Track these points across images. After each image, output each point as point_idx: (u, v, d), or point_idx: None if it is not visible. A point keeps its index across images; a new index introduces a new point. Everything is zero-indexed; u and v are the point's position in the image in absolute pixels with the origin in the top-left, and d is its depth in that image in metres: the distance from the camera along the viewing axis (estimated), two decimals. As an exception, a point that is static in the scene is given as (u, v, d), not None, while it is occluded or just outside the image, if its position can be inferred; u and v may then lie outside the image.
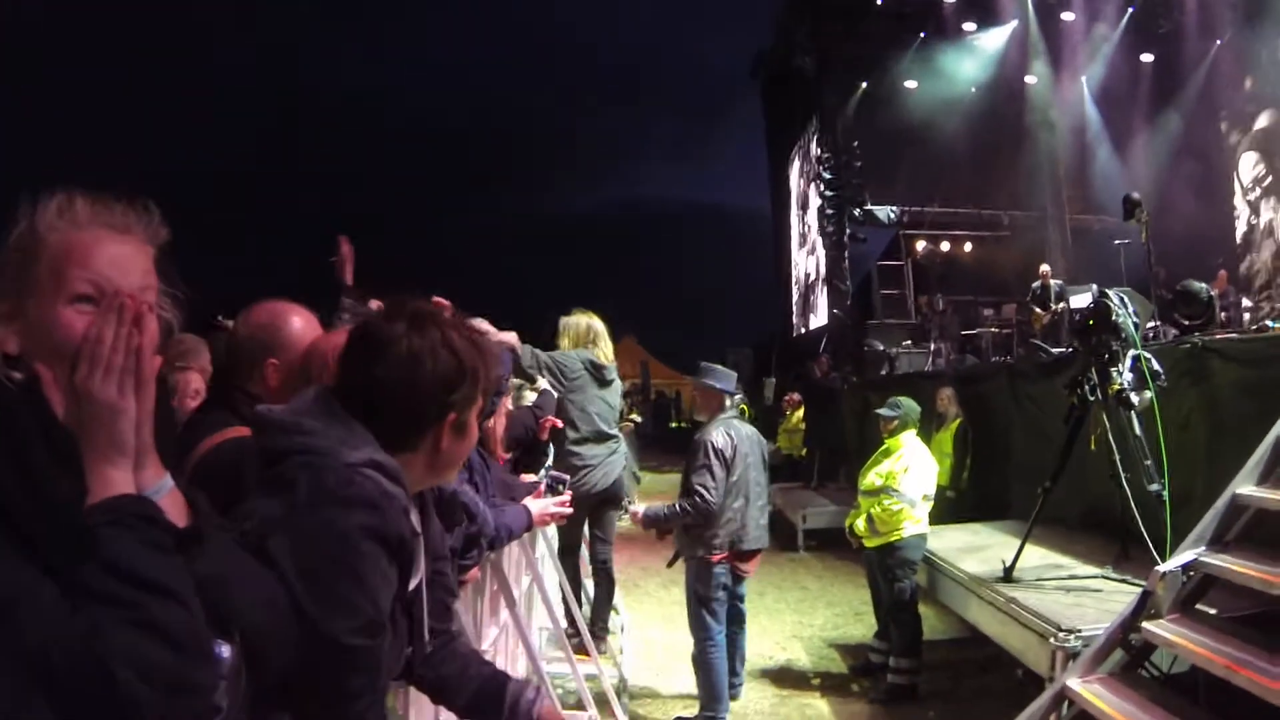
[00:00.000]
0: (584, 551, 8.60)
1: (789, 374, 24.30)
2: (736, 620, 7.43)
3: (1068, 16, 21.32)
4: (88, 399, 1.32)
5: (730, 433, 6.91)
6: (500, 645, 5.32)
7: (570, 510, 4.98)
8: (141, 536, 1.25)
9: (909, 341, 19.86)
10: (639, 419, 21.65)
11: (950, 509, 10.18)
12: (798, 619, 10.25)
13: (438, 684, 2.40)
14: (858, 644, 8.85)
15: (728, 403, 7.09)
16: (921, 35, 22.00)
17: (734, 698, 7.46)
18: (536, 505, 4.54)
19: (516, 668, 6.12)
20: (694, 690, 7.29)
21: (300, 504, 1.75)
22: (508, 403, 4.27)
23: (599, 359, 7.51)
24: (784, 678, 8.36)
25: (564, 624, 6.54)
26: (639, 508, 7.22)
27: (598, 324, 7.62)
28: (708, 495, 6.67)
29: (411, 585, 2.02)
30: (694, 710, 7.11)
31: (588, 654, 6.63)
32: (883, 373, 18.82)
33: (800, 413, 19.39)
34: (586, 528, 8.25)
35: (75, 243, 1.44)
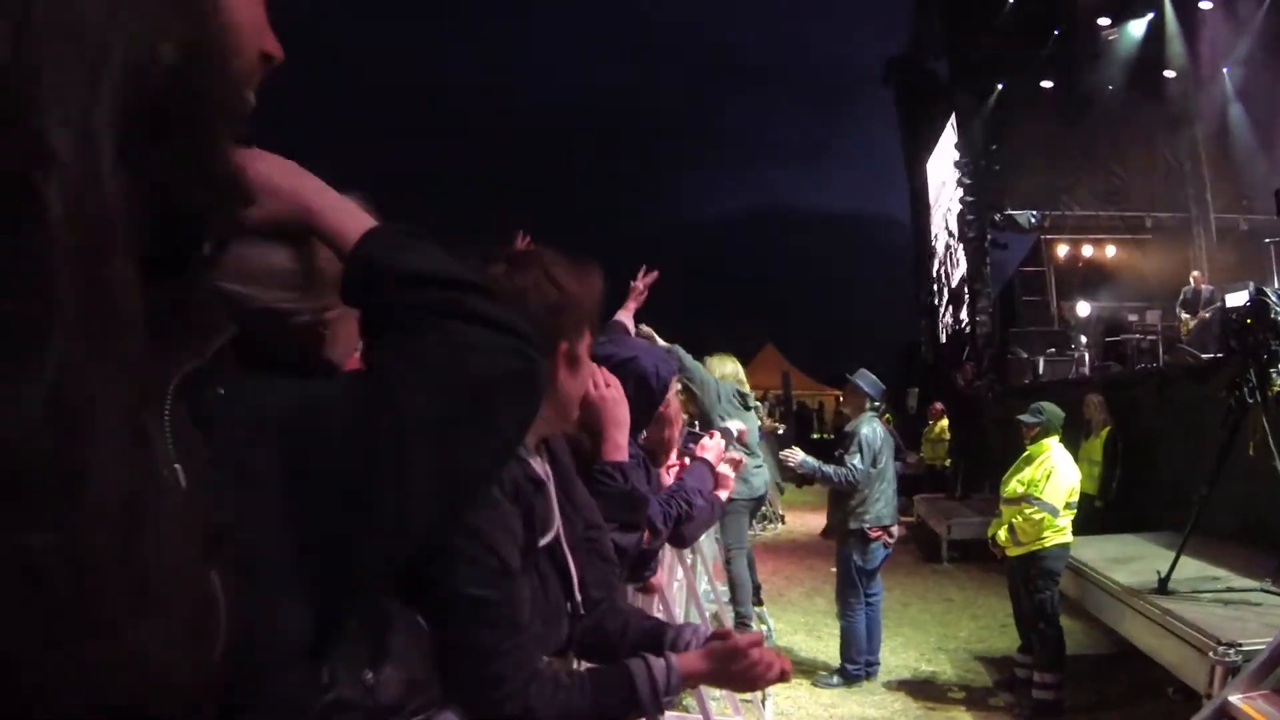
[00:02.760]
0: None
1: (932, 383, 24.00)
2: (873, 604, 8.54)
3: (1205, 5, 20.51)
4: None
5: (875, 427, 8.40)
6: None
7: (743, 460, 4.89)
8: None
9: (1052, 349, 19.42)
10: (781, 429, 21.55)
11: (1099, 519, 9.90)
12: (942, 631, 10.11)
13: (601, 643, 2.28)
14: (1003, 657, 8.67)
15: (867, 404, 8.53)
16: (1056, 33, 21.42)
17: (872, 676, 8.46)
18: (711, 449, 4.34)
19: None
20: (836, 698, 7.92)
21: None
22: (676, 404, 4.13)
23: (742, 388, 8.48)
24: (928, 690, 8.25)
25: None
26: (799, 457, 8.54)
27: (733, 366, 8.70)
28: (855, 473, 8.12)
29: (545, 539, 1.99)
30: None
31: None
32: (1026, 381, 18.42)
33: (944, 422, 19.12)
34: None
35: None
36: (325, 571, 1.10)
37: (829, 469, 8.34)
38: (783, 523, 18.61)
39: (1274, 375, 6.55)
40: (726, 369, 8.52)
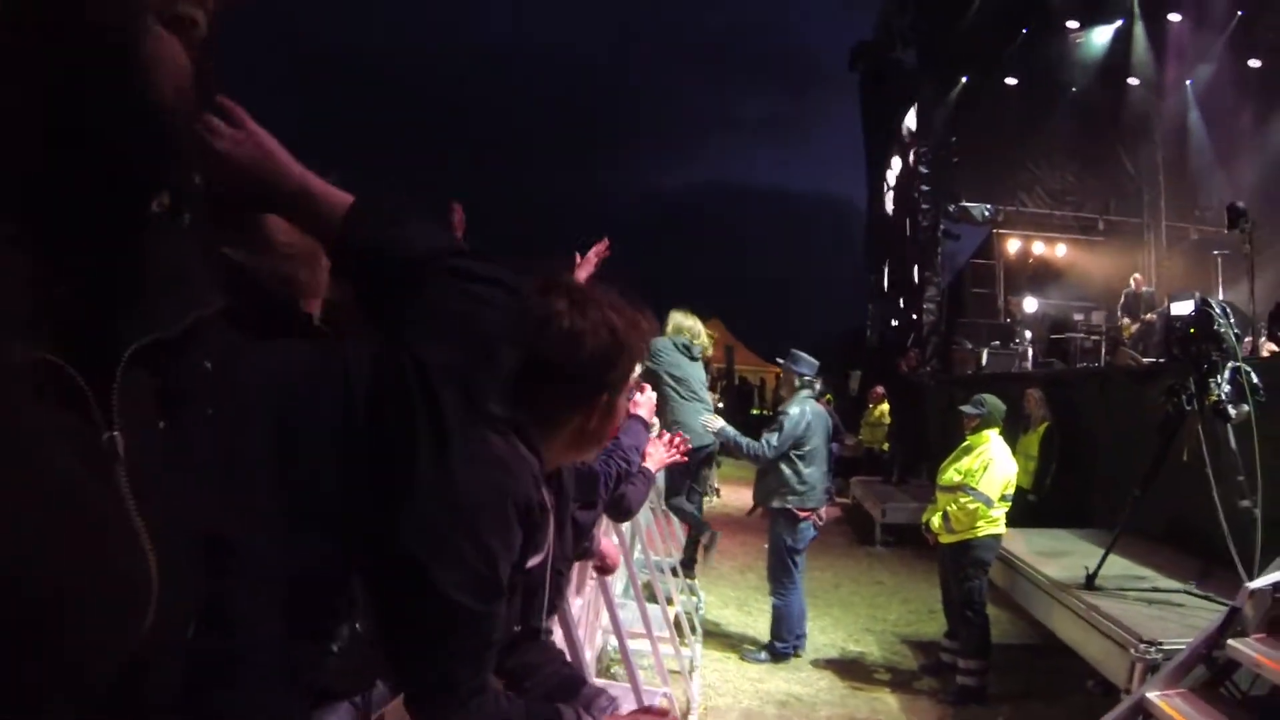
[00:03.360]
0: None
1: (876, 367, 24.14)
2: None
3: (1174, 17, 20.74)
4: None
5: (805, 408, 8.50)
6: (583, 618, 5.38)
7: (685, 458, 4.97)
8: None
9: (997, 342, 19.62)
10: (720, 404, 21.59)
11: (1032, 513, 10.04)
12: (871, 613, 10.24)
13: (519, 670, 2.27)
14: (930, 641, 8.80)
15: (797, 382, 8.71)
16: (1025, 31, 21.52)
17: (799, 653, 8.65)
18: (644, 405, 4.46)
19: (595, 640, 6.26)
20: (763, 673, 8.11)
21: None
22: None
23: (687, 339, 8.90)
24: (855, 671, 8.36)
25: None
26: (718, 423, 8.69)
27: (691, 321, 9.11)
28: (767, 448, 8.34)
29: (532, 561, 1.98)
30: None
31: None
32: (969, 371, 18.61)
33: (884, 406, 19.26)
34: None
35: None
36: (313, 555, 1.13)
37: (743, 440, 8.61)
38: (718, 495, 18.70)
39: (1212, 385, 6.67)
40: (682, 323, 8.96)
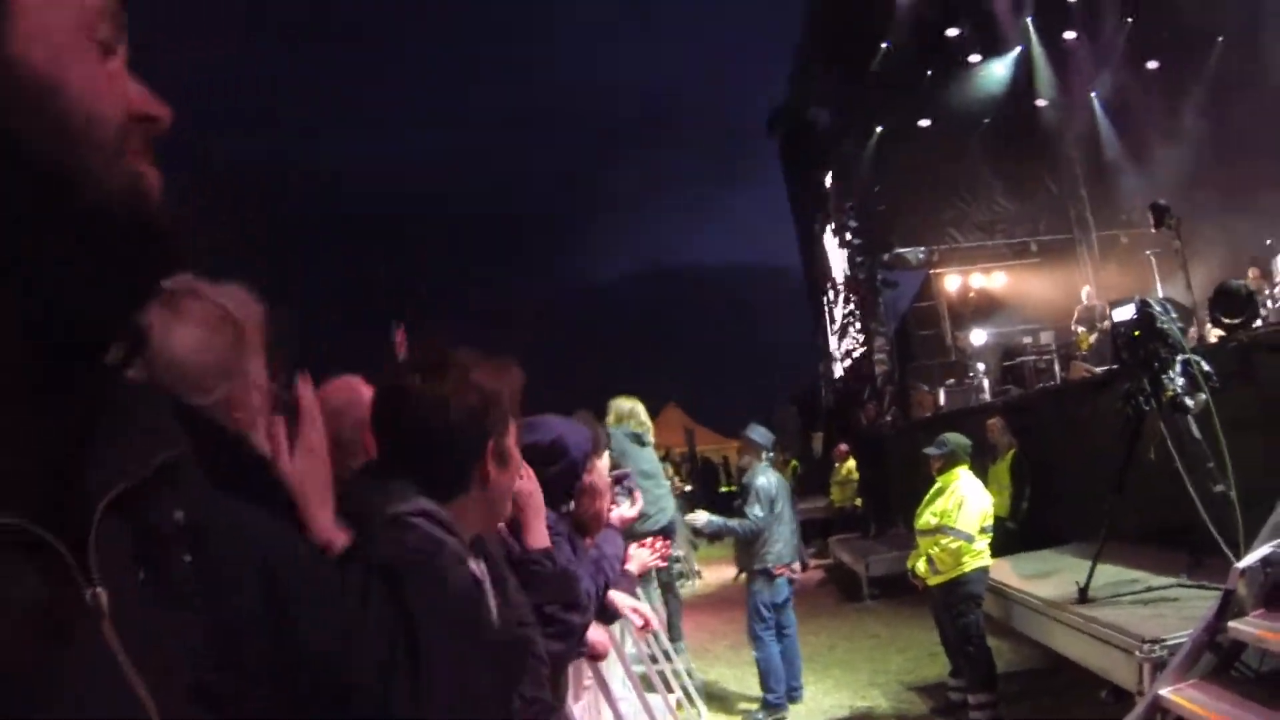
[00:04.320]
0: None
1: (836, 425, 24.20)
2: (788, 636, 9.17)
3: (1069, 35, 21.27)
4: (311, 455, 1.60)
5: (769, 476, 9.20)
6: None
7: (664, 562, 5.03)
8: None
9: (951, 379, 19.76)
10: (689, 487, 21.56)
11: (1013, 540, 10.01)
12: (872, 666, 10.14)
13: None
14: (935, 684, 8.72)
15: (762, 455, 9.47)
16: (929, 73, 21.90)
17: (796, 700, 9.10)
18: (637, 558, 4.52)
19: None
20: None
21: None
22: (603, 477, 4.21)
23: (634, 428, 8.82)
24: (866, 726, 8.25)
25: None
26: (704, 518, 9.38)
27: (630, 404, 8.99)
28: (757, 521, 8.90)
29: None
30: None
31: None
32: (928, 414, 18.69)
33: (850, 463, 19.29)
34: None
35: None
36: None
37: (733, 523, 9.20)
38: (699, 578, 18.61)
39: (1165, 381, 6.72)
40: (623, 409, 8.89)
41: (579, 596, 2.85)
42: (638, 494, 4.87)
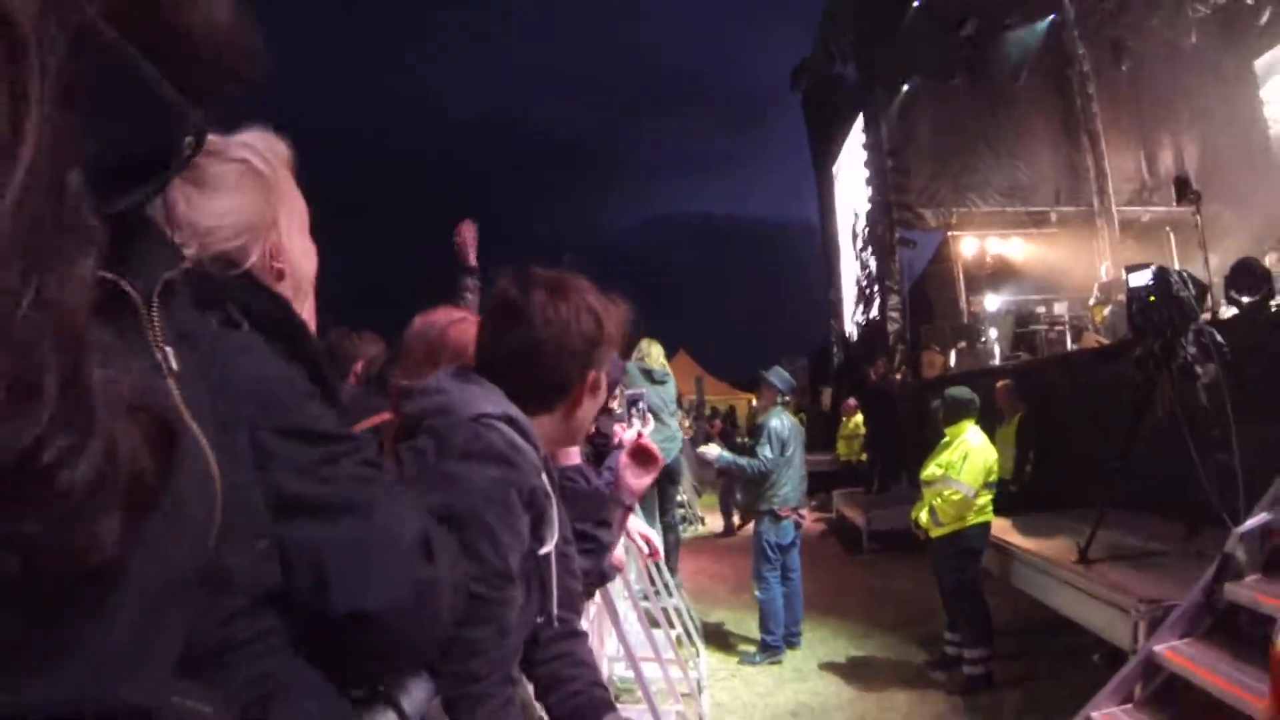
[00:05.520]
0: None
1: (845, 380, 24.18)
2: (791, 580, 9.26)
3: (1106, 4, 20.98)
4: None
5: (783, 419, 9.23)
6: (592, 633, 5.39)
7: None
8: None
9: (963, 342, 19.73)
10: (692, 432, 21.58)
11: (1015, 503, 10.06)
12: (870, 617, 10.25)
13: (549, 680, 2.29)
14: (931, 638, 8.81)
15: (777, 399, 9.51)
16: (963, 32, 21.55)
17: (794, 646, 9.21)
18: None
19: (601, 669, 6.26)
20: (770, 686, 8.17)
21: (430, 460, 1.79)
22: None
23: (647, 364, 9.38)
24: (860, 674, 8.38)
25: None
26: (715, 452, 9.62)
27: (648, 343, 9.56)
28: (766, 462, 8.93)
29: (544, 549, 2.02)
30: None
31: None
32: (937, 374, 18.70)
33: (858, 418, 19.29)
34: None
35: None
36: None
37: (743, 461, 9.27)
38: (703, 524, 18.77)
39: (1178, 347, 6.78)
40: (641, 346, 9.40)
41: (609, 514, 2.89)
42: (649, 417, 4.93)
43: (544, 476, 2.02)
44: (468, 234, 4.69)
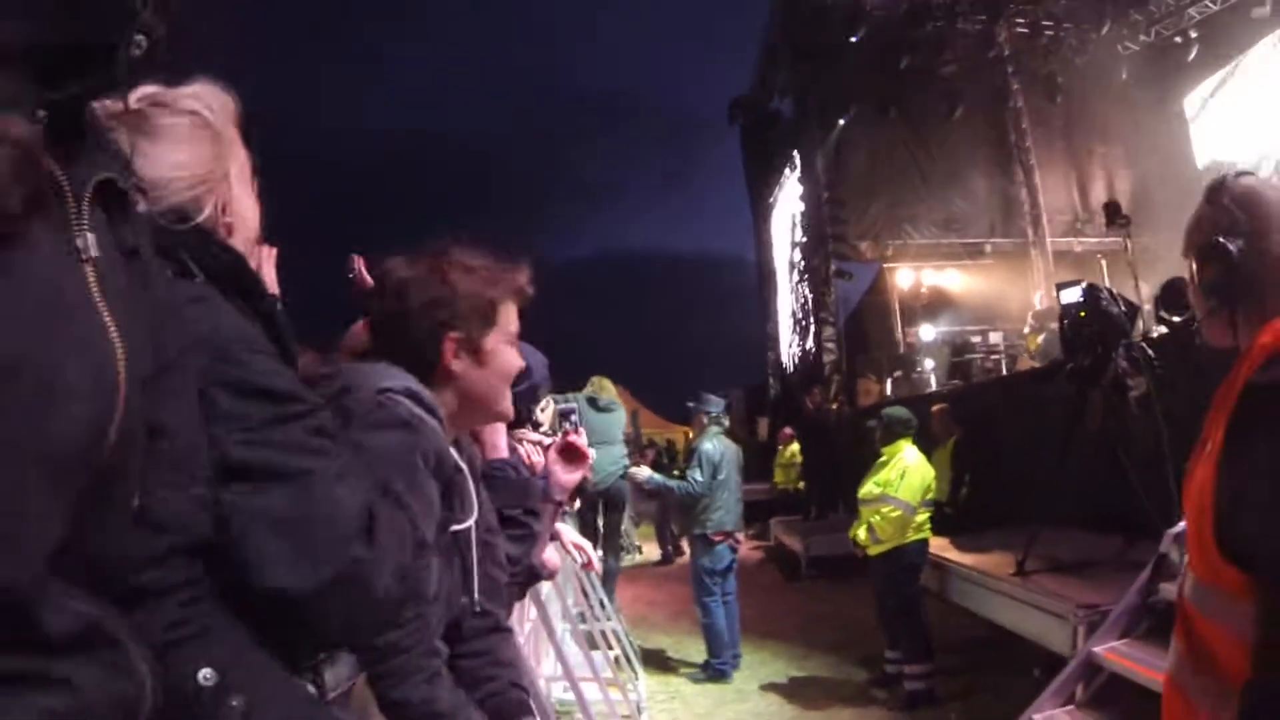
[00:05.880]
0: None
1: (782, 410, 24.26)
2: (728, 604, 9.15)
3: (1046, 25, 21.36)
4: None
5: (716, 443, 9.15)
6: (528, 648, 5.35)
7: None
8: None
9: (899, 372, 19.91)
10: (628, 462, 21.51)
11: (951, 525, 10.11)
12: (809, 640, 10.23)
13: (468, 678, 2.25)
14: (872, 657, 8.81)
15: (706, 420, 9.36)
16: (900, 66, 21.71)
17: (735, 667, 9.10)
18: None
19: (539, 690, 6.22)
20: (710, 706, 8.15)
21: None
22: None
23: (593, 393, 9.77)
24: (801, 694, 8.37)
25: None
26: (646, 474, 9.44)
27: (599, 378, 10.06)
28: (695, 485, 8.86)
29: (461, 525, 2.04)
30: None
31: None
32: (872, 402, 18.82)
33: (794, 446, 19.37)
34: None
35: None
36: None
37: (672, 482, 9.30)
38: (640, 552, 18.75)
39: (1109, 363, 6.89)
40: (592, 380, 9.78)
41: (537, 503, 2.88)
42: (581, 430, 4.91)
43: (454, 452, 2.04)
44: (358, 264, 4.67)
